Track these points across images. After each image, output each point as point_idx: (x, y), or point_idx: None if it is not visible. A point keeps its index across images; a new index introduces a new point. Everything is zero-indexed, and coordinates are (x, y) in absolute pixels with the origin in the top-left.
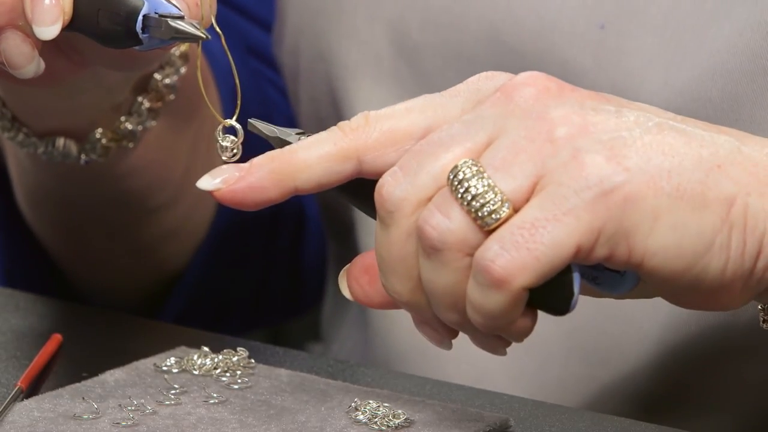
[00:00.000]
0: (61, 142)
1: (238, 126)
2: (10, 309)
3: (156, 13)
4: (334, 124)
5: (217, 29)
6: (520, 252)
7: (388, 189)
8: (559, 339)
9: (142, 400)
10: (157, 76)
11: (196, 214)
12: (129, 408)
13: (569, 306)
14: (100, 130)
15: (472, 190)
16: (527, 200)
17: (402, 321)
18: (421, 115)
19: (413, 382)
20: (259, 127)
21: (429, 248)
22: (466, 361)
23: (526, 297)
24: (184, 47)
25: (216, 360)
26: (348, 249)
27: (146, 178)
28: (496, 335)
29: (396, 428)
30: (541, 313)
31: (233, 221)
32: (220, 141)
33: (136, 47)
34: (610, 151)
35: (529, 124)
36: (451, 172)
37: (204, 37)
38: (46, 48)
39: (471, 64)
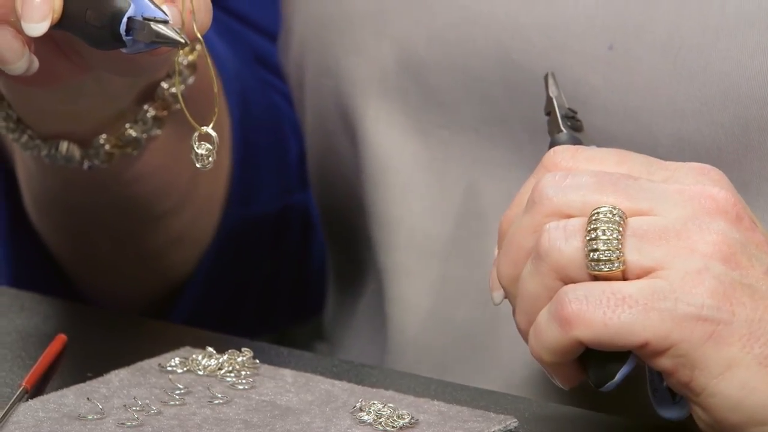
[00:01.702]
0: (64, 146)
1: (214, 134)
2: (15, 309)
3: (142, 16)
4: (342, 138)
5: (199, 36)
6: (596, 311)
7: (544, 183)
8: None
9: (147, 401)
10: (164, 84)
11: (201, 220)
12: (134, 408)
13: (605, 385)
14: (104, 136)
15: (600, 234)
16: (637, 277)
17: (414, 335)
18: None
19: (418, 383)
20: (550, 81)
21: (536, 252)
22: (482, 376)
23: (580, 350)
24: (192, 57)
25: (221, 360)
26: (353, 259)
27: (152, 184)
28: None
29: (401, 429)
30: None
31: (239, 227)
32: (195, 149)
33: (122, 49)
34: (733, 290)
35: (689, 226)
36: (597, 209)
37: (183, 42)
38: (47, 49)
39: (479, 82)
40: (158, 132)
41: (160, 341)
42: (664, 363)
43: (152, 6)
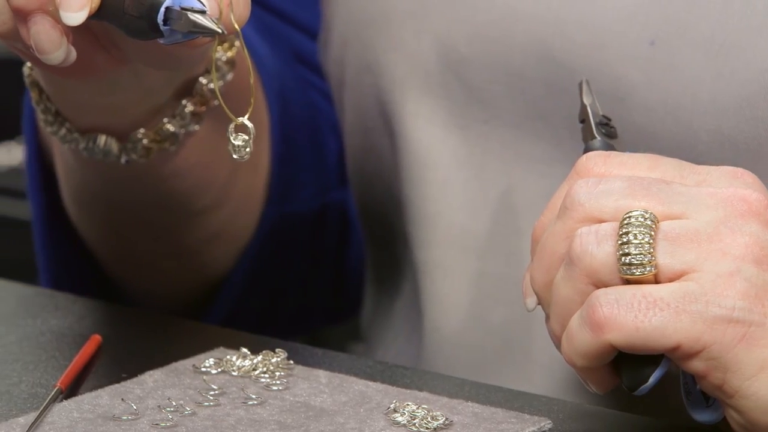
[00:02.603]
0: (102, 139)
1: (250, 125)
2: (50, 309)
3: (180, 6)
4: (381, 136)
5: (237, 28)
6: (628, 315)
7: (577, 189)
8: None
9: (181, 401)
10: (202, 80)
11: (240, 217)
12: (168, 409)
13: (638, 388)
14: (141, 130)
15: (632, 238)
16: (669, 280)
17: (451, 334)
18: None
19: (452, 384)
20: (584, 89)
21: (569, 257)
22: (519, 378)
23: (613, 354)
24: (230, 53)
25: (255, 361)
26: (391, 256)
27: (190, 180)
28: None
29: (435, 430)
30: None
31: (278, 225)
32: (232, 140)
33: (159, 40)
34: (765, 292)
35: (721, 229)
36: (629, 213)
37: (220, 31)
38: (85, 40)
39: (520, 79)
40: (196, 128)
41: (195, 342)
42: (696, 366)
43: None
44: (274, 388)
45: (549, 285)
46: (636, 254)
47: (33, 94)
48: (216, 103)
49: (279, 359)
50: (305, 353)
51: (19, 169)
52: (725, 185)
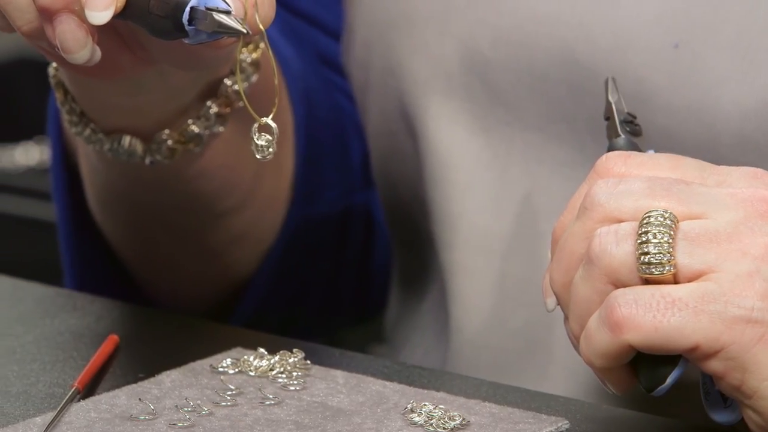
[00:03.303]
0: (126, 140)
1: (273, 125)
2: (68, 309)
3: (205, 6)
4: (405, 139)
5: (262, 28)
6: (646, 315)
7: (596, 189)
8: None
9: (199, 401)
10: (227, 81)
11: (264, 219)
12: (185, 409)
13: (656, 389)
14: (166, 131)
15: (651, 237)
16: (688, 280)
17: (474, 335)
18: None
19: (469, 384)
20: (610, 87)
21: (588, 257)
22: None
23: (631, 355)
24: (255, 55)
25: (272, 361)
26: (417, 258)
27: (215, 182)
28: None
29: (452, 430)
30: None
31: (302, 227)
32: (255, 140)
33: (184, 39)
34: None
35: (740, 229)
36: (648, 213)
37: (245, 32)
38: (111, 40)
39: (544, 82)
40: (221, 129)
41: (212, 342)
42: (714, 366)
43: None
44: (291, 388)
45: (568, 285)
46: (655, 253)
47: (58, 95)
48: (240, 104)
49: (296, 359)
50: (322, 353)
51: (36, 169)
52: (745, 186)
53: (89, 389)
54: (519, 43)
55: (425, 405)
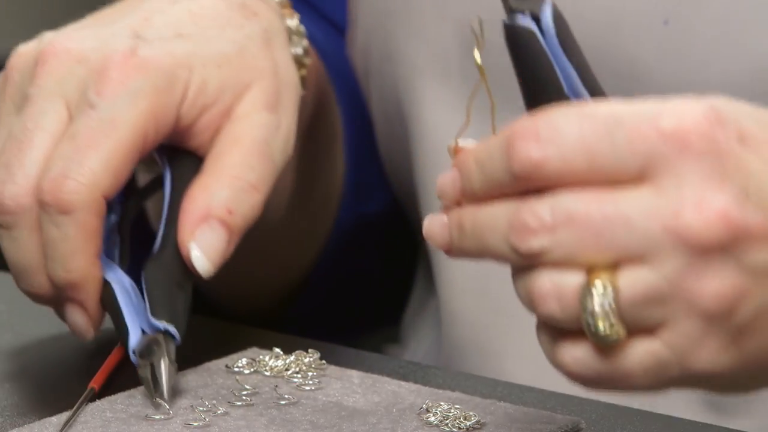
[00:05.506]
0: None
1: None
2: None
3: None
4: (399, 124)
5: (478, 62)
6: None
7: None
8: None
9: (214, 401)
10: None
11: (318, 220)
12: (200, 409)
13: None
14: None
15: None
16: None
17: (462, 315)
18: None
19: (484, 384)
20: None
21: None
22: (525, 357)
23: None
24: (302, 71)
25: (287, 361)
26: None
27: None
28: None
29: (467, 430)
30: None
31: (354, 225)
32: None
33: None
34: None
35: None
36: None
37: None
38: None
39: None
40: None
41: (227, 342)
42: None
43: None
44: (307, 388)
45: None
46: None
47: None
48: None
49: (312, 359)
50: (338, 353)
51: None
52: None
53: (105, 389)
54: None
55: (441, 405)
